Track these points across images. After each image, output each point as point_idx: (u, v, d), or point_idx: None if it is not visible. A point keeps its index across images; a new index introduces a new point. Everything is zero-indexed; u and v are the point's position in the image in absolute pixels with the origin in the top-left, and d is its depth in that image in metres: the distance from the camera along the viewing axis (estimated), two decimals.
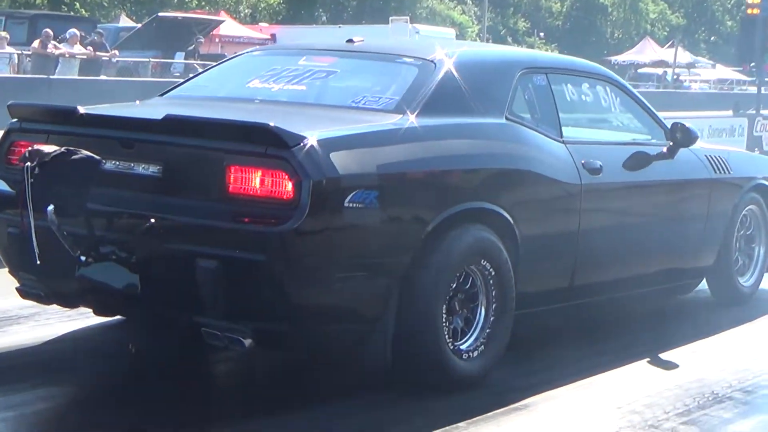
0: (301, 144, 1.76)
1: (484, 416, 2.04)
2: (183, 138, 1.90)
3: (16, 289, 2.30)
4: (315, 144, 1.79)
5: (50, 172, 1.84)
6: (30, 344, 2.48)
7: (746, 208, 3.13)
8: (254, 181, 1.81)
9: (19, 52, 9.84)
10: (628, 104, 2.85)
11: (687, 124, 2.70)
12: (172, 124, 1.87)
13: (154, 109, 2.15)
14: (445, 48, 2.41)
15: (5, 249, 2.22)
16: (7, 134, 2.21)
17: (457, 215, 2.02)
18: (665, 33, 36.27)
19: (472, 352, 2.14)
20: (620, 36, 37.15)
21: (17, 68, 9.65)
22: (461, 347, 2.13)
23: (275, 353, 2.28)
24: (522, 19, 36.04)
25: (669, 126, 2.73)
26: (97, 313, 2.27)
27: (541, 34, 35.29)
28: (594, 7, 36.60)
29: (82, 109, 2.05)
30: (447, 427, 1.98)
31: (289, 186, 1.76)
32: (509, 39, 32.29)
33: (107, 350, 2.49)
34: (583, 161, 2.42)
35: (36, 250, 1.89)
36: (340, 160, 1.80)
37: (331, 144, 1.83)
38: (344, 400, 2.13)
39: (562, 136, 2.42)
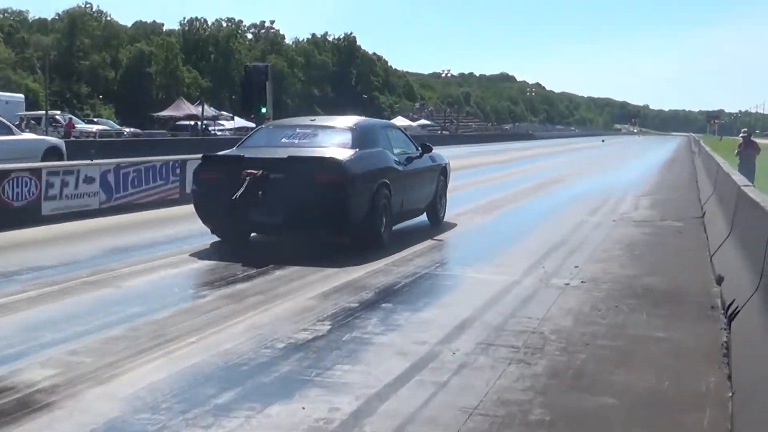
0: (339, 160, 10.55)
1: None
2: (295, 163, 10.44)
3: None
4: (345, 161, 10.58)
5: (257, 179, 10.36)
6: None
7: (439, 177, 13.76)
8: (326, 175, 10.34)
9: None
10: (405, 138, 13.30)
11: (428, 143, 13.48)
12: (291, 158, 10.50)
13: (273, 151, 11.01)
14: (353, 120, 12.57)
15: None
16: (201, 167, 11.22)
17: (379, 184, 11.06)
18: (197, 93, 75.65)
19: (385, 232, 11.15)
20: (163, 96, 76.36)
21: None
22: (381, 230, 11.12)
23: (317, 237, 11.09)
24: (84, 85, 76.47)
25: (420, 145, 13.18)
26: (259, 232, 11.37)
27: (101, 96, 75.24)
28: (142, 74, 79.91)
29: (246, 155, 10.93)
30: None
31: (340, 176, 10.37)
32: (75, 101, 71.36)
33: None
34: (401, 162, 12.23)
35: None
36: (348, 166, 10.55)
37: (346, 160, 10.66)
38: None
39: (393, 153, 12.07)
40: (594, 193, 21.09)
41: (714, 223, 12.30)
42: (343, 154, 10.76)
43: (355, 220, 10.53)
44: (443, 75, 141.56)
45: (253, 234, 11.39)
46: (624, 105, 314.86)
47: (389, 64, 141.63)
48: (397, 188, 11.54)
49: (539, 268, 9.56)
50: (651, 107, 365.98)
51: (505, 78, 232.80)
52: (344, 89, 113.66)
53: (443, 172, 13.95)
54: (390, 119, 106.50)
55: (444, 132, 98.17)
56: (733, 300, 6.94)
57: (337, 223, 10.48)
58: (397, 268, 9.43)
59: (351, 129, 11.71)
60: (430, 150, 13.17)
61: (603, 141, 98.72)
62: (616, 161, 44.13)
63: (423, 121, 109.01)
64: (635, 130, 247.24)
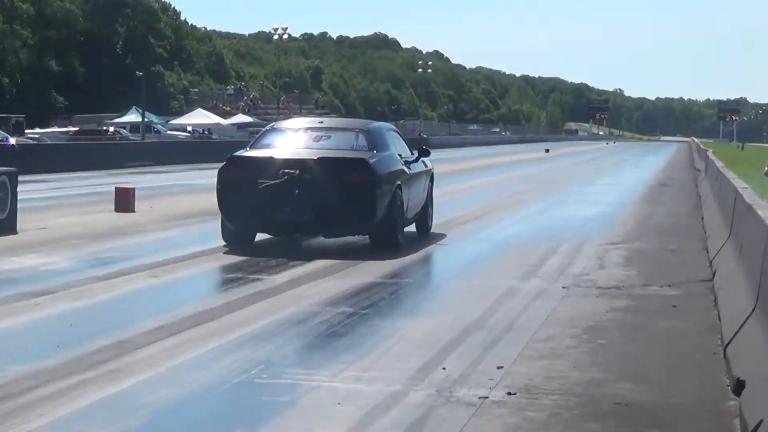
0: (368, 162, 19.92)
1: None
2: (325, 164, 19.61)
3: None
4: (370, 162, 19.91)
5: (294, 178, 19.24)
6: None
7: (429, 183, 24.27)
8: (355, 175, 19.65)
9: None
10: (402, 140, 23.55)
11: (425, 147, 26.72)
12: (322, 159, 19.65)
13: (297, 152, 20.40)
14: (363, 122, 25.11)
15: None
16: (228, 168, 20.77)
17: (396, 186, 20.26)
18: None
19: (400, 234, 20.54)
20: None
21: None
22: (398, 231, 20.53)
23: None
24: None
25: (417, 149, 24.50)
26: (285, 233, 21.16)
27: None
28: None
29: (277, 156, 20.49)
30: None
31: (368, 176, 19.61)
32: None
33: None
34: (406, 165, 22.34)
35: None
36: (375, 167, 19.88)
37: (373, 162, 19.98)
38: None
39: (399, 156, 21.80)
40: (532, 238, 21.69)
41: (730, 291, 12.70)
42: (366, 156, 19.53)
43: (378, 220, 19.09)
44: (276, 38, 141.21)
45: None
46: (582, 90, 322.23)
47: (184, 19, 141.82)
48: (406, 191, 20.29)
49: (437, 370, 9.62)
50: (627, 94, 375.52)
51: (382, 43, 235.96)
52: (104, 61, 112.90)
53: (431, 177, 23.76)
54: (184, 112, 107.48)
55: None
56: (761, 422, 7.11)
57: (363, 222, 19.23)
58: (186, 377, 9.40)
59: (365, 131, 20.82)
60: (428, 154, 23.63)
61: (547, 151, 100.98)
62: (569, 184, 45.11)
63: (240, 117, 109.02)
64: (601, 133, 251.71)
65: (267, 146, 20.16)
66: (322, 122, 22.41)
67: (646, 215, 28.80)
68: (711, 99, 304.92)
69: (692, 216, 27.42)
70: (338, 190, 18.37)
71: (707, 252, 18.48)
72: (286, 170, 18.00)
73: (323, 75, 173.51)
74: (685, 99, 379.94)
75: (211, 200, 20.83)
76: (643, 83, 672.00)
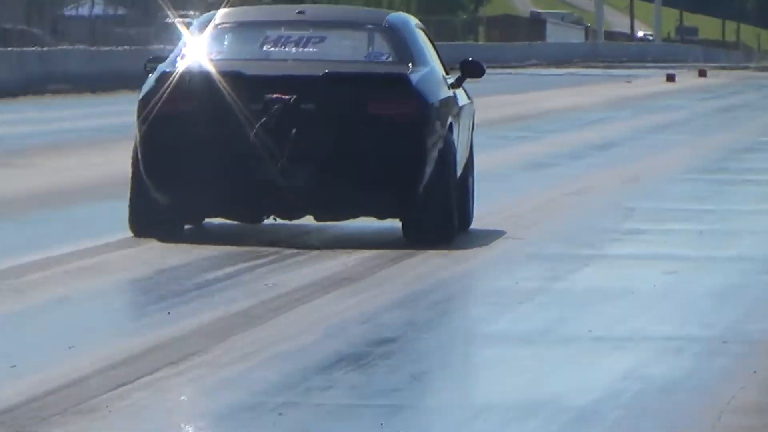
0: (410, 81, 18.07)
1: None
2: (338, 85, 17.36)
3: None
4: (416, 81, 18.06)
5: (288, 108, 17.04)
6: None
7: (471, 126, 22.97)
8: (391, 104, 17.63)
9: None
10: (434, 48, 20.63)
11: (472, 58, 21.66)
12: (331, 77, 17.09)
13: (284, 64, 18.03)
14: (378, 14, 23.60)
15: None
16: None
17: (448, 125, 18.55)
18: None
19: (455, 209, 19.72)
20: None
21: None
22: (453, 203, 19.29)
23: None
24: None
25: (460, 64, 21.78)
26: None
27: None
28: None
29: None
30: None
31: (412, 106, 17.75)
32: None
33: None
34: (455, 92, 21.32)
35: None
36: (422, 91, 18.09)
37: (417, 81, 18.28)
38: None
39: (446, 78, 20.57)
40: None
41: None
42: (404, 71, 17.69)
43: (422, 187, 16.82)
44: None
45: None
46: None
47: None
48: (456, 138, 18.78)
49: None
50: None
51: None
52: None
53: (474, 115, 22.24)
54: None
55: None
56: None
57: (401, 189, 16.90)
58: None
59: (385, 29, 18.38)
60: (481, 72, 21.34)
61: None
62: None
63: None
64: (649, 36, 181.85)
65: (216, 55, 16.97)
66: (302, 13, 18.49)
67: None
68: None
69: None
70: (361, 128, 15.68)
71: None
72: (274, 95, 15.29)
73: None
74: None
75: None
76: None
